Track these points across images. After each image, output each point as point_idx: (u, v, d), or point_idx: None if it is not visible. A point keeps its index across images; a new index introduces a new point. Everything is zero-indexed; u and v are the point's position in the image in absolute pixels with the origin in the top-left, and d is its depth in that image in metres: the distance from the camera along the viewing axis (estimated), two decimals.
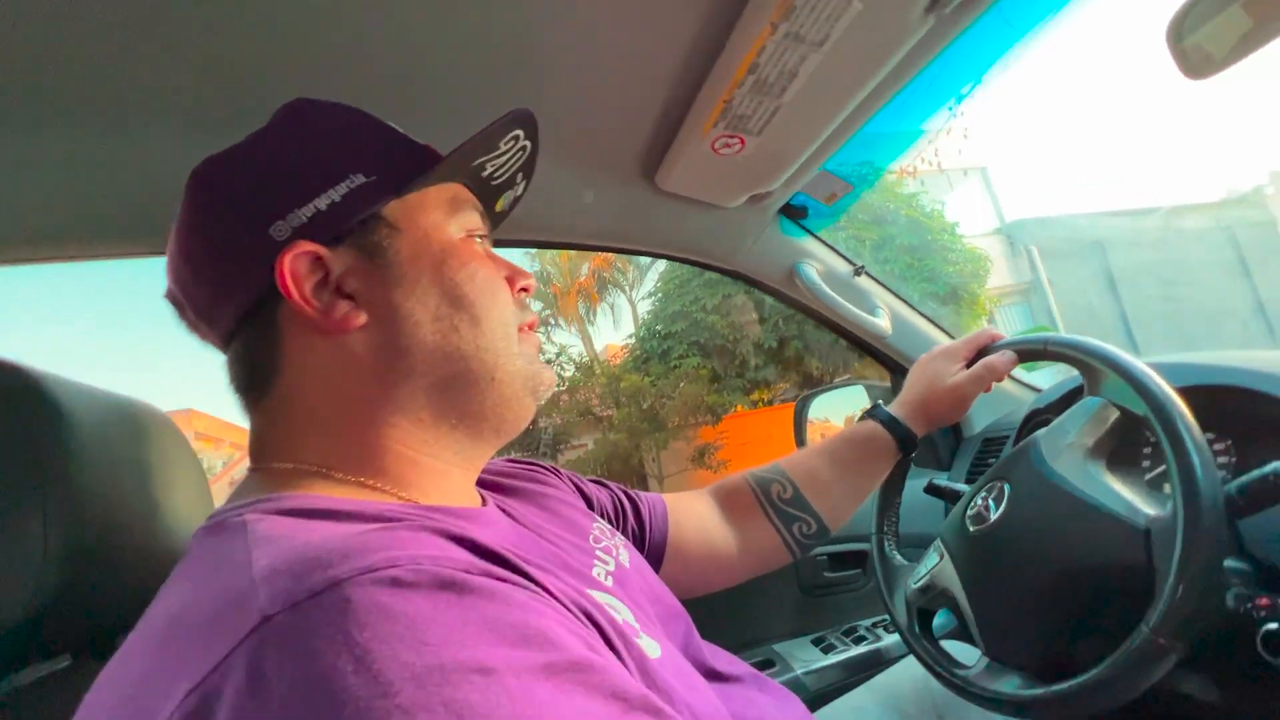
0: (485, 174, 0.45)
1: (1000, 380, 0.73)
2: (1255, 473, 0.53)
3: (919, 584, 0.72)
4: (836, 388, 1.33)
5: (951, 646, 0.72)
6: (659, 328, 8.44)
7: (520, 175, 0.50)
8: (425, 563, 0.26)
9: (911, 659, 0.77)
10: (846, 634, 1.00)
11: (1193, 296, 10.82)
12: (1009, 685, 0.58)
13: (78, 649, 0.50)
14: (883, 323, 1.07)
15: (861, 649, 0.95)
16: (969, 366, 0.72)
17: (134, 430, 0.51)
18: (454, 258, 0.41)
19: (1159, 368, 0.72)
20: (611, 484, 0.69)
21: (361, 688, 0.22)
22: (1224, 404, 0.71)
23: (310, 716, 0.21)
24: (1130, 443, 0.73)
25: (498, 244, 0.52)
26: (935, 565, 0.72)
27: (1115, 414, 0.62)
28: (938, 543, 0.73)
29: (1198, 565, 0.48)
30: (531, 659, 0.24)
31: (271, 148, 0.40)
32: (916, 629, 0.71)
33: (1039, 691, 0.55)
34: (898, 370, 1.13)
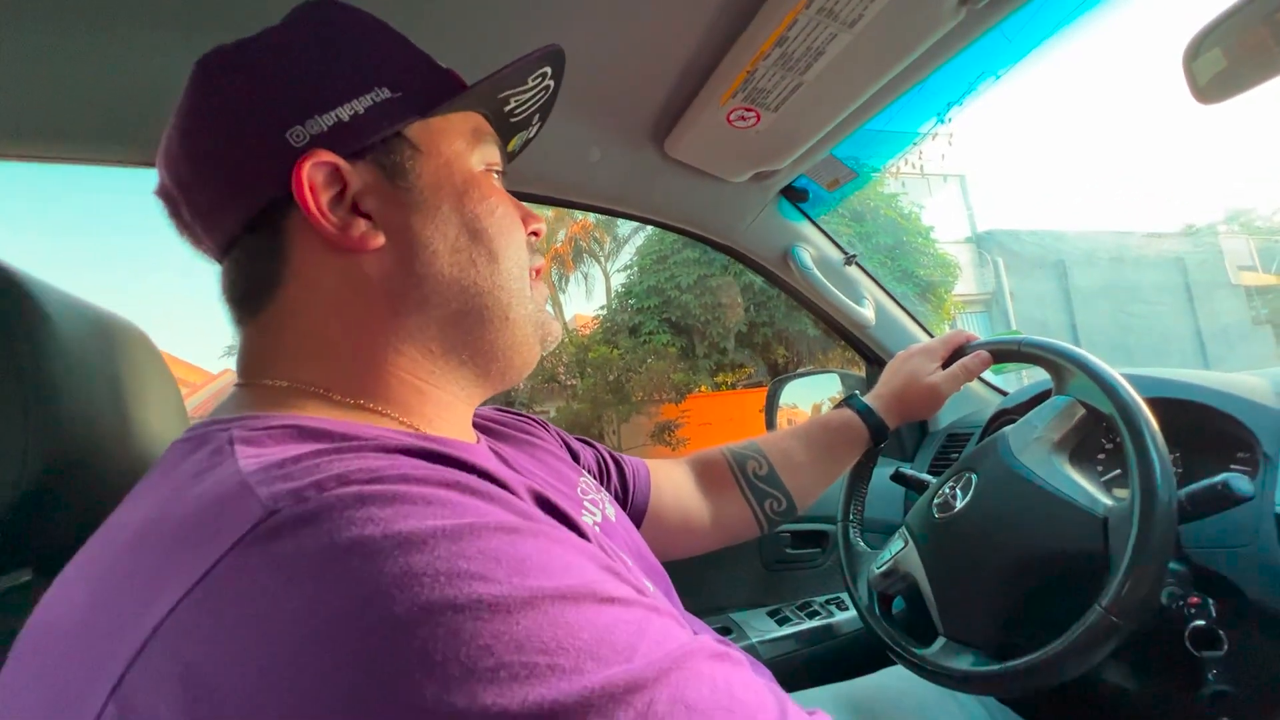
0: (508, 108, 0.44)
1: (973, 380, 0.76)
2: (1205, 482, 0.57)
3: (882, 568, 0.76)
4: (811, 374, 1.36)
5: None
6: (632, 301, 8.42)
7: (537, 116, 0.48)
8: (434, 471, 0.26)
9: (881, 673, 0.81)
10: (801, 608, 1.04)
11: (1141, 318, 11.37)
12: (965, 662, 0.62)
13: (38, 563, 0.48)
14: (867, 313, 1.09)
15: (814, 623, 0.99)
16: (945, 366, 0.75)
17: (114, 345, 0.49)
18: (475, 189, 0.40)
19: (1136, 379, 0.75)
20: (597, 444, 0.69)
21: (396, 550, 0.21)
22: (1175, 417, 0.75)
23: (346, 590, 0.21)
24: (1091, 443, 0.77)
25: None
26: (899, 550, 0.75)
27: (1081, 411, 0.65)
28: (903, 529, 0.76)
29: (1151, 550, 0.51)
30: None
31: (292, 45, 0.37)
32: (877, 611, 0.74)
33: (995, 667, 0.58)
34: (875, 361, 1.16)
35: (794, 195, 0.99)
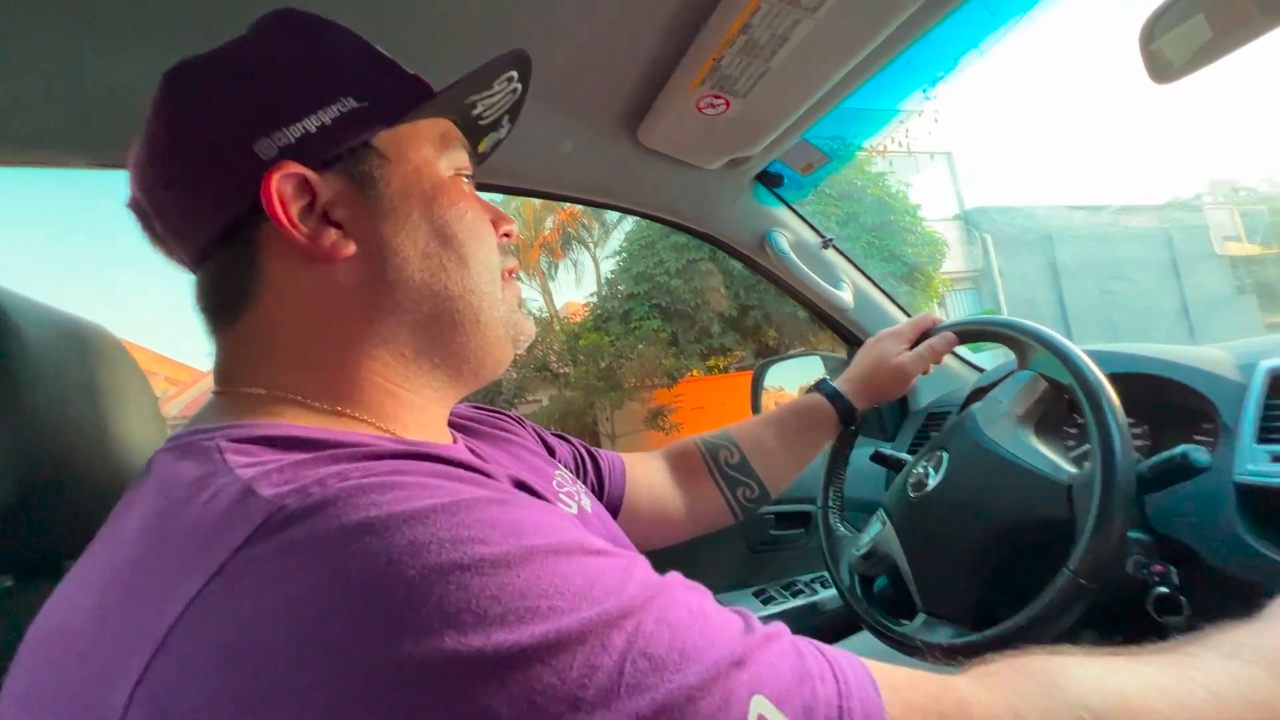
0: (475, 112, 0.44)
1: (939, 360, 0.77)
2: (1165, 454, 0.58)
3: (862, 551, 0.77)
4: (794, 357, 1.37)
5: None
6: (622, 288, 8.40)
7: (507, 118, 0.49)
8: (422, 464, 0.28)
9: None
10: (786, 587, 1.06)
11: (1127, 292, 11.49)
12: (944, 635, 0.64)
13: (21, 571, 0.49)
14: (845, 296, 1.10)
15: (799, 601, 1.01)
16: (914, 348, 0.77)
17: (86, 351, 0.49)
18: (444, 195, 0.40)
19: (1100, 355, 0.77)
20: (572, 438, 0.70)
21: (402, 525, 0.24)
22: (1142, 391, 0.77)
23: (361, 564, 0.23)
24: (1056, 416, 0.79)
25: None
26: (878, 533, 0.77)
27: (1043, 385, 0.67)
28: (880, 511, 0.78)
29: (1112, 514, 0.53)
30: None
31: (258, 58, 0.37)
32: (859, 593, 0.76)
33: (973, 638, 0.60)
34: (855, 343, 1.17)
35: (769, 180, 1.00)
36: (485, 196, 0.47)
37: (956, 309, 10.78)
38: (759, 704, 0.24)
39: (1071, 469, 0.60)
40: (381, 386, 0.39)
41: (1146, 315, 11.30)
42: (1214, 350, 0.79)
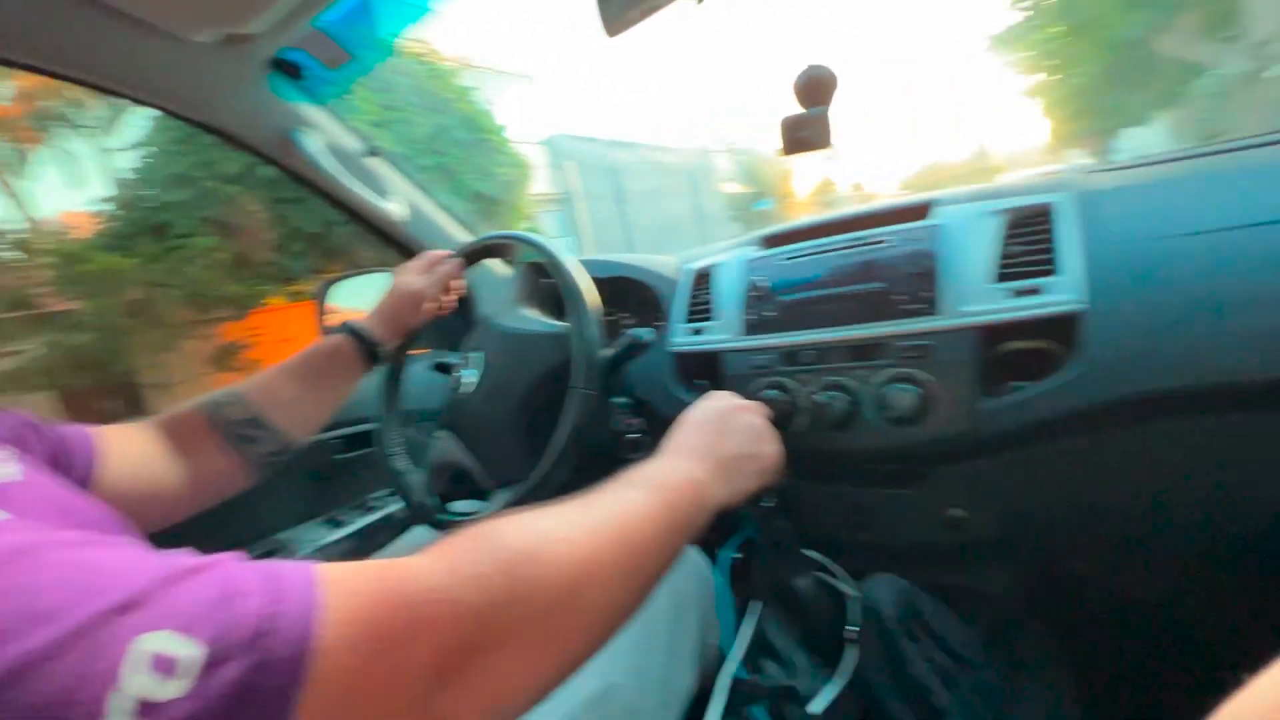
0: None
1: (449, 285, 0.85)
2: (622, 337, 0.77)
3: (427, 468, 0.84)
4: (363, 274, 1.29)
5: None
6: (153, 193, 6.32)
7: None
8: None
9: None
10: (359, 507, 1.06)
11: (668, 215, 14.82)
12: (504, 500, 0.73)
13: None
14: (396, 208, 1.08)
15: (371, 518, 1.02)
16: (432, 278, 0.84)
17: None
18: None
19: (593, 263, 0.96)
20: (19, 411, 0.53)
21: None
22: (628, 289, 1.00)
23: None
24: (549, 298, 0.95)
25: None
26: (438, 446, 0.84)
27: (532, 273, 0.84)
28: (435, 426, 0.86)
29: (589, 368, 0.70)
30: None
31: None
32: (426, 497, 0.81)
33: (517, 490, 0.71)
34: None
35: (288, 71, 0.87)
36: None
37: (546, 228, 11.87)
38: (153, 640, 0.23)
39: (562, 323, 0.76)
40: None
41: (677, 231, 14.80)
42: (669, 258, 1.06)
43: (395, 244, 1.15)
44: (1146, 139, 10.27)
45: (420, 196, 1.15)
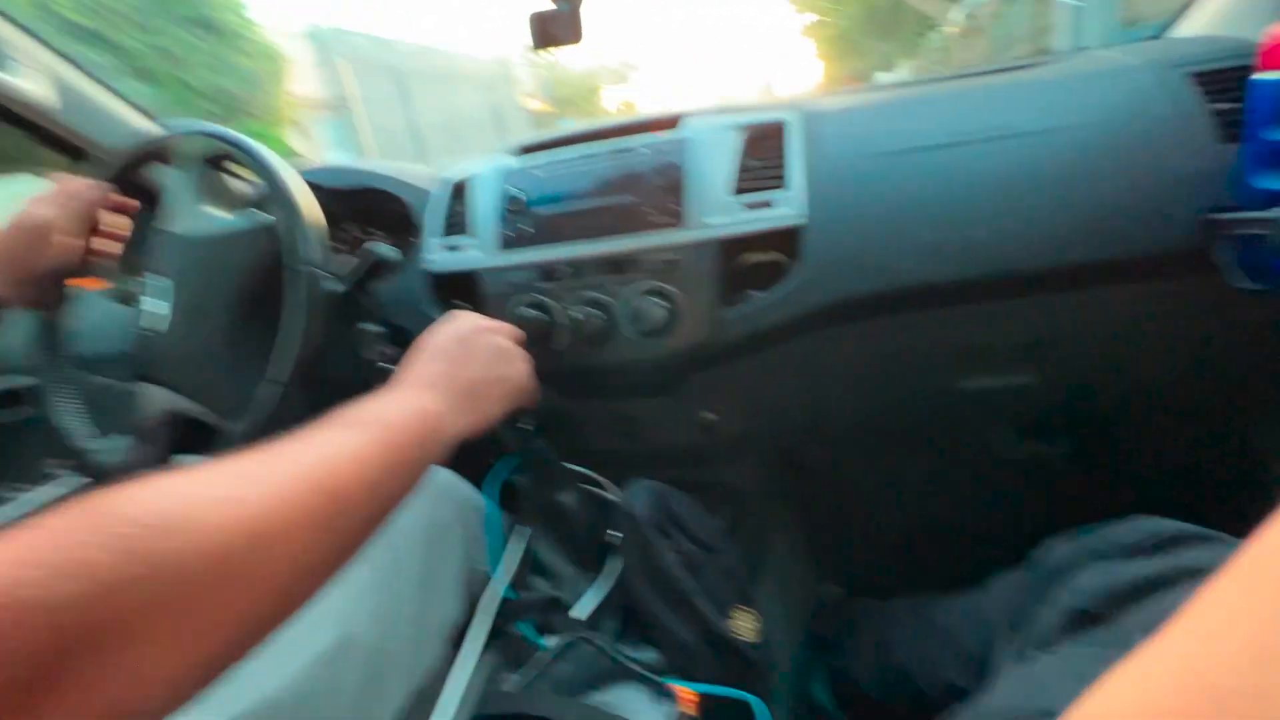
0: None
1: (86, 208, 0.68)
2: (361, 253, 0.67)
3: (129, 426, 0.67)
4: None
5: None
6: None
7: None
8: None
9: None
10: (24, 481, 0.83)
11: (462, 126, 13.81)
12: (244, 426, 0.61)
13: None
14: (37, 89, 0.81)
15: (50, 492, 0.82)
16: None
17: None
18: None
19: (336, 171, 0.82)
20: None
21: None
22: (375, 201, 0.88)
23: None
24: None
25: None
26: (142, 399, 0.68)
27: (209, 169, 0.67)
28: (127, 375, 0.68)
29: (298, 211, 0.61)
30: None
31: None
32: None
33: (274, 389, 0.60)
34: (81, 157, 0.90)
35: None
36: None
37: (320, 138, 10.23)
38: None
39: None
40: None
41: (471, 142, 13.94)
42: (427, 168, 0.95)
43: (48, 137, 0.87)
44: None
45: (79, 77, 0.88)
